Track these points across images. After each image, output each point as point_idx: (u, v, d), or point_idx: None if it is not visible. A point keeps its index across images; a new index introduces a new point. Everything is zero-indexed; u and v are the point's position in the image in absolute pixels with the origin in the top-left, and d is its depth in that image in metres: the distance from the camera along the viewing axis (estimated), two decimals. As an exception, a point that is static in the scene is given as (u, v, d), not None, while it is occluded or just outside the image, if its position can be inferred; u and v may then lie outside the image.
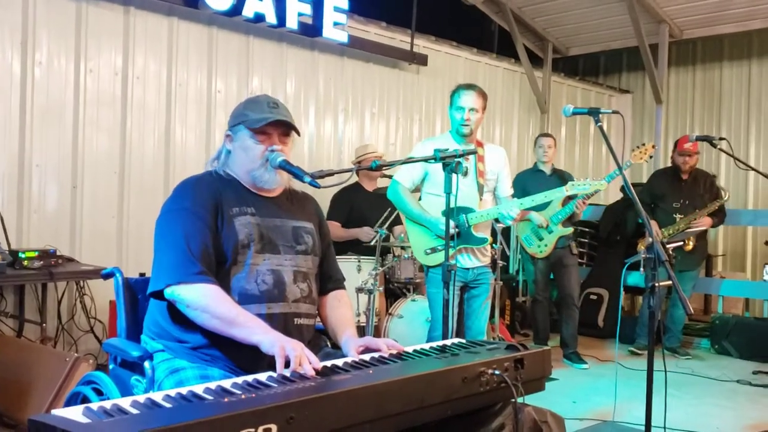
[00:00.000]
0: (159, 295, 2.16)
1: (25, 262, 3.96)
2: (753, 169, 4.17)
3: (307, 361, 1.90)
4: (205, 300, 2.09)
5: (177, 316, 2.19)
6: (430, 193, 4.06)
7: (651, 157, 5.54)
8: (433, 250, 4.01)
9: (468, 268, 4.08)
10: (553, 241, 5.72)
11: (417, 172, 4.09)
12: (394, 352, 2.16)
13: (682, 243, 5.89)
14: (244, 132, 2.34)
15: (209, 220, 2.22)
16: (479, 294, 4.14)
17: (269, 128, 2.32)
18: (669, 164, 6.35)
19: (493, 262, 4.78)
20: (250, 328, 2.07)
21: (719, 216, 6.11)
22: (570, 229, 5.73)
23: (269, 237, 2.30)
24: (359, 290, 4.88)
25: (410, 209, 4.09)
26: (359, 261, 5.11)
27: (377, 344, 2.22)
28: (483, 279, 4.13)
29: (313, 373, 1.86)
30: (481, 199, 4.08)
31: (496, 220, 4.22)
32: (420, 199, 4.17)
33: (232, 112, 2.44)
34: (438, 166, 3.37)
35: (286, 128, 2.37)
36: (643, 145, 5.42)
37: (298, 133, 2.41)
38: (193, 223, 2.19)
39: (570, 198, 5.33)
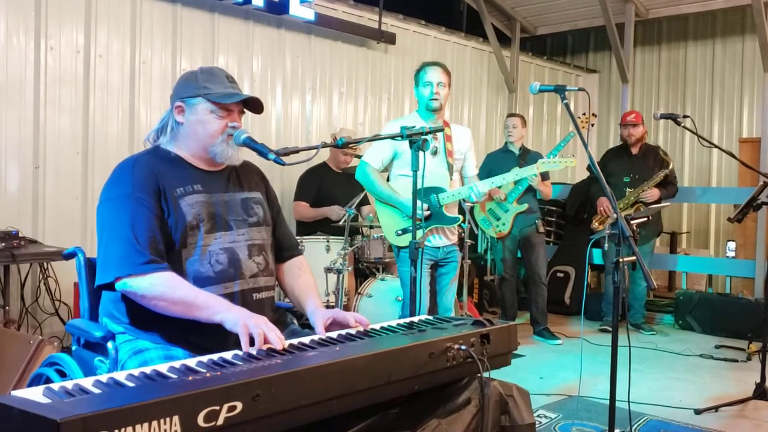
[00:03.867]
0: (108, 286, 2.10)
1: (-14, 244, 3.89)
2: (716, 147, 4.22)
3: (273, 335, 1.89)
4: (160, 288, 2.04)
5: (132, 312, 2.15)
6: (400, 173, 4.05)
7: (593, 125, 5.70)
8: (404, 231, 4.01)
9: (438, 247, 4.12)
10: (511, 218, 5.77)
11: (386, 152, 4.07)
12: (361, 328, 2.16)
13: (647, 218, 5.94)
14: (204, 105, 2.26)
15: (152, 205, 2.14)
16: (447, 272, 4.22)
17: (232, 104, 2.28)
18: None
19: (460, 241, 4.82)
20: (212, 307, 2.04)
21: (669, 188, 6.10)
22: (525, 205, 5.77)
23: (219, 214, 2.25)
24: (328, 270, 4.86)
25: (380, 191, 4.07)
26: (328, 241, 5.10)
27: (345, 317, 2.20)
28: (451, 257, 4.20)
29: (280, 345, 1.86)
30: (451, 179, 4.09)
31: (464, 200, 4.25)
32: (389, 179, 4.16)
33: (182, 81, 2.34)
34: (407, 146, 3.36)
35: (243, 106, 2.33)
36: (584, 114, 5.62)
37: (261, 111, 2.38)
38: (136, 210, 2.12)
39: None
